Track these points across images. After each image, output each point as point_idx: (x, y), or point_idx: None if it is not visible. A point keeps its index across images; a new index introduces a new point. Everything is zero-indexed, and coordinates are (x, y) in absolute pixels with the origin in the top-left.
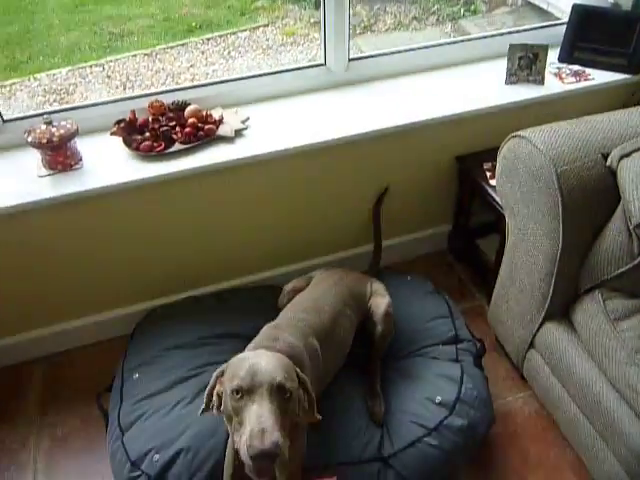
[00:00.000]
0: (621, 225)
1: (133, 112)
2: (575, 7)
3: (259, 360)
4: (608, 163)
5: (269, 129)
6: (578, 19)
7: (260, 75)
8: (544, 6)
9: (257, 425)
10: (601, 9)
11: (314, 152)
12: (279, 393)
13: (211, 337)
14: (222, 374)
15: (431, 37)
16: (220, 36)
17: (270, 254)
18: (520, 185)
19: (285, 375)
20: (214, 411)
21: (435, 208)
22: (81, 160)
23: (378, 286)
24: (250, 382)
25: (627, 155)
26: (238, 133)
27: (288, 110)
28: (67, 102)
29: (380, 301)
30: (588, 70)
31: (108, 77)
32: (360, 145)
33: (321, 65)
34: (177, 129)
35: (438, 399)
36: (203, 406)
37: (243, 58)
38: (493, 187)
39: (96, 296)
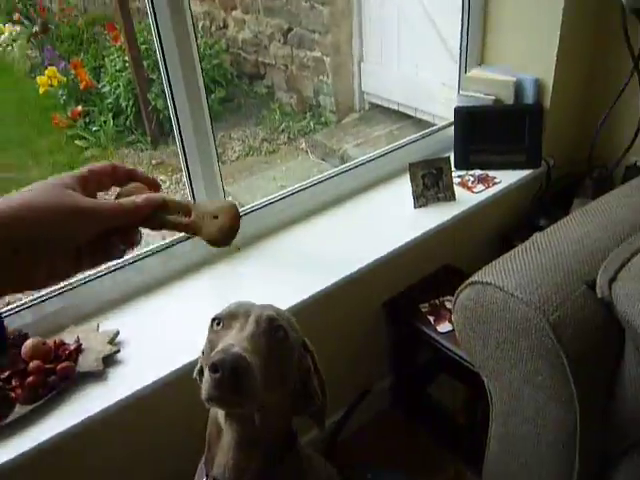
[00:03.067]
0: (638, 367)
1: None
2: (457, 110)
3: (251, 301)
4: (599, 295)
5: (150, 342)
6: (464, 122)
7: (115, 269)
8: (411, 113)
9: (227, 342)
10: (484, 108)
11: None
12: (270, 325)
13: None
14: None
15: (289, 156)
16: None
17: None
18: (498, 342)
19: (280, 315)
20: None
21: (369, 365)
22: None
23: None
24: (235, 310)
25: (614, 280)
26: (108, 361)
27: (167, 305)
28: None
29: None
30: (490, 173)
31: None
32: None
33: (192, 236)
34: (14, 382)
35: None
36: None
37: None
38: (442, 334)
39: None
